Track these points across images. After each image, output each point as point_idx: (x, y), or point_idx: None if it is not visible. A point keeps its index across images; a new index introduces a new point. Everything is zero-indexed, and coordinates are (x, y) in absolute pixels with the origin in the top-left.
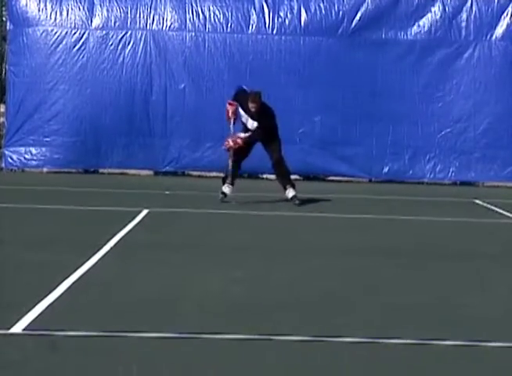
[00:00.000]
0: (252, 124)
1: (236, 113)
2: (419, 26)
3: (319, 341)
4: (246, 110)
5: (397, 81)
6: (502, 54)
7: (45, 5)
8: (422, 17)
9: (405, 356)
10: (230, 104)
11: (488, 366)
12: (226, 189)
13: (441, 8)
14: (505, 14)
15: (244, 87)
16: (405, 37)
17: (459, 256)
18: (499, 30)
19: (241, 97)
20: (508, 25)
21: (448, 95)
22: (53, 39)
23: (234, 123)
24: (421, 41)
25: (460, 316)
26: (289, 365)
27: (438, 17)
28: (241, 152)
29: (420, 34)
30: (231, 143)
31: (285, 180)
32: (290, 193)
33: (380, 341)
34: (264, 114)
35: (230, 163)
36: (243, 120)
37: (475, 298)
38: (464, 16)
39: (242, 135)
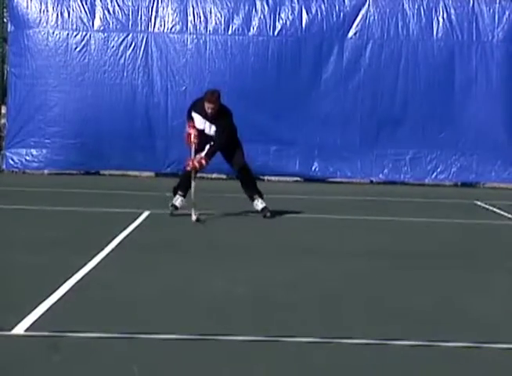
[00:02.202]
0: (210, 128)
1: (198, 137)
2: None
3: (327, 342)
4: (203, 114)
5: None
6: (504, 55)
7: (47, 7)
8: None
9: (411, 357)
10: (190, 127)
11: (494, 367)
12: (178, 201)
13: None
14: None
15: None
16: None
17: (461, 257)
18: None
19: (197, 103)
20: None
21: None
22: (54, 41)
23: (196, 147)
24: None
25: (463, 318)
26: (297, 366)
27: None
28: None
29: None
30: (195, 164)
31: (251, 189)
32: (260, 204)
33: (388, 342)
34: (224, 116)
35: (193, 183)
36: (199, 126)
37: (476, 299)
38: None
39: (202, 154)
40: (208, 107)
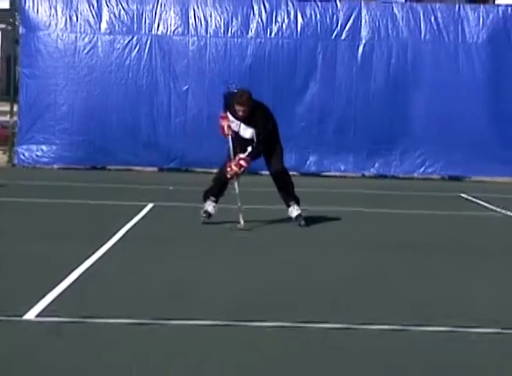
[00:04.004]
0: (245, 130)
1: (231, 127)
2: None
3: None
4: (236, 116)
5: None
6: (489, 55)
7: (56, 11)
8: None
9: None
10: (222, 118)
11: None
12: (210, 207)
13: None
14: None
15: (232, 88)
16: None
17: (450, 248)
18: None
19: (231, 102)
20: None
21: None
22: (63, 43)
23: (232, 138)
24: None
25: (452, 305)
26: (317, 352)
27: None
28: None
29: None
30: (235, 169)
31: (288, 195)
32: (295, 211)
33: (408, 328)
34: (257, 118)
35: (237, 187)
36: (234, 127)
37: (463, 288)
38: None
39: (242, 155)
40: (239, 110)
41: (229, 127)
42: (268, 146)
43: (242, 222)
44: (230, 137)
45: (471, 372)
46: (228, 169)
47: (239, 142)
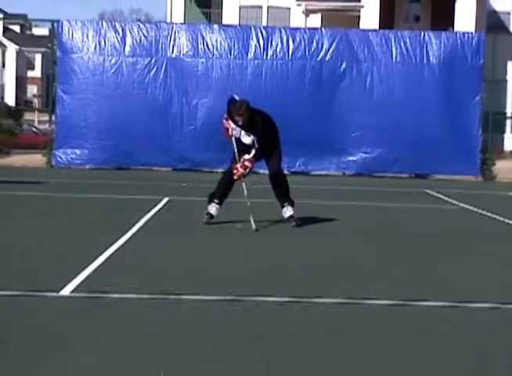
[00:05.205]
0: (245, 137)
1: (236, 139)
2: None
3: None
4: (237, 124)
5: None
6: (448, 72)
7: (87, 37)
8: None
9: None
10: (226, 120)
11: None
12: (213, 209)
13: None
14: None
15: (235, 96)
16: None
17: (415, 235)
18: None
19: (231, 110)
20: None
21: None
22: (93, 64)
23: (235, 139)
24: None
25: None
26: (327, 326)
27: None
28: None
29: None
30: (241, 170)
31: (283, 196)
32: (288, 212)
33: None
34: (259, 125)
35: (245, 188)
36: (236, 134)
37: (424, 268)
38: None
39: (246, 156)
40: (238, 120)
41: (233, 129)
42: (268, 149)
43: (253, 224)
44: (234, 140)
45: (426, 337)
46: (235, 171)
47: (242, 147)
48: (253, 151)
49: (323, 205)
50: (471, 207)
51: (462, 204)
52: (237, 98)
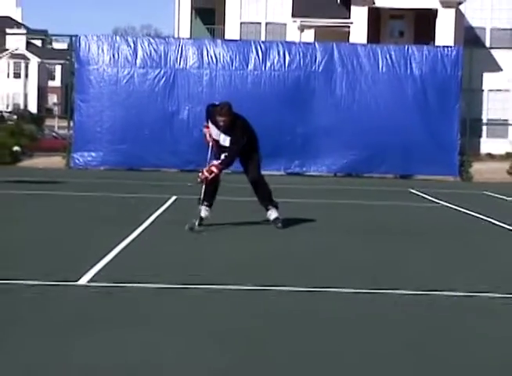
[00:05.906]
0: (224, 139)
1: (214, 144)
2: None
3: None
4: (217, 125)
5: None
6: (430, 83)
7: (103, 50)
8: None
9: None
10: (206, 127)
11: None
12: (203, 211)
13: None
14: None
15: (216, 102)
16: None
17: (403, 229)
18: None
19: (212, 112)
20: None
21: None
22: (108, 75)
23: (212, 145)
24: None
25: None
26: (340, 315)
27: None
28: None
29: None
30: (205, 174)
31: (266, 200)
32: (273, 214)
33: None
34: (236, 128)
35: (202, 191)
36: (215, 136)
37: (404, 260)
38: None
39: (215, 162)
40: (220, 120)
41: (210, 135)
42: (245, 155)
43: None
44: (210, 145)
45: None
46: (200, 174)
47: (219, 150)
48: (222, 156)
49: (314, 203)
50: (451, 205)
51: (442, 202)
52: (217, 103)
